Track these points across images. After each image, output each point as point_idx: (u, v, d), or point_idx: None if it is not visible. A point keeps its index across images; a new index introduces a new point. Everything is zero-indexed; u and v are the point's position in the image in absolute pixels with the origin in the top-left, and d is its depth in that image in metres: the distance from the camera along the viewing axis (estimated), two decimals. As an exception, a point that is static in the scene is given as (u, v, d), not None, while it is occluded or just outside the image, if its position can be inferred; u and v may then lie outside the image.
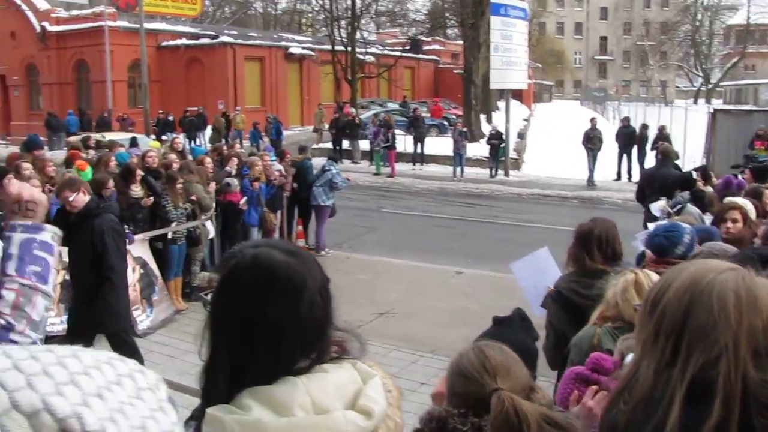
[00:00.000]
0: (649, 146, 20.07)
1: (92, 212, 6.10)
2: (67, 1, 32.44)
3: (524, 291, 4.85)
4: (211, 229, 10.02)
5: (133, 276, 8.50)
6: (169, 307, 8.99)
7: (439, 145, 25.16)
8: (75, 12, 35.78)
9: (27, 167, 9.05)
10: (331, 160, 12.59)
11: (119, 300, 6.25)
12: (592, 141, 20.46)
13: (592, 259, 3.86)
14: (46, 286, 1.90)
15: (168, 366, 7.22)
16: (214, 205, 9.93)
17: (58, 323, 7.67)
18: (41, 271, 1.89)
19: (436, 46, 52.19)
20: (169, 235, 9.04)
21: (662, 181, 9.16)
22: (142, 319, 8.40)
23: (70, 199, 6.04)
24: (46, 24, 35.26)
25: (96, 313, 6.04)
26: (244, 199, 10.32)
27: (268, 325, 1.41)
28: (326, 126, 29.00)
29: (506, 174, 22.63)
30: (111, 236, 6.03)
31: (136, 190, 8.99)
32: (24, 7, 35.74)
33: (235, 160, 10.87)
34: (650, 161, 17.30)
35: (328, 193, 11.94)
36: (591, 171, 20.77)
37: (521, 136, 28.63)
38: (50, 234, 1.96)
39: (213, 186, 9.96)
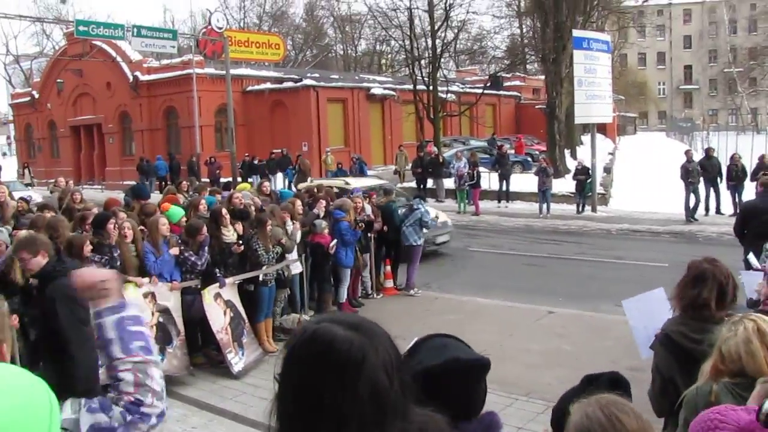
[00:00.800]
0: (748, 177, 19.18)
1: (49, 276, 5.52)
2: (158, 51, 33.74)
3: (633, 331, 4.64)
4: (296, 267, 10.15)
5: (224, 319, 8.67)
6: (257, 349, 9.07)
7: (523, 181, 24.94)
8: (165, 61, 37.22)
9: (122, 216, 9.41)
10: (419, 199, 12.63)
11: (81, 368, 5.23)
12: (691, 174, 19.66)
13: (706, 302, 3.60)
14: (153, 356, 2.00)
15: (261, 408, 7.26)
16: (294, 246, 10.03)
17: None
18: (144, 344, 2.00)
19: (517, 82, 52.05)
20: (260, 278, 9.16)
21: (766, 214, 8.85)
22: (236, 361, 8.51)
23: (27, 261, 5.68)
24: (138, 74, 36.81)
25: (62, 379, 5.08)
26: (334, 242, 10.41)
27: (324, 406, 1.36)
28: (408, 166, 29.16)
29: (593, 209, 22.21)
30: (63, 303, 5.20)
31: (228, 234, 9.21)
32: (119, 59, 37.45)
33: (323, 202, 11.01)
34: (749, 193, 16.62)
35: (419, 232, 11.98)
36: (690, 205, 19.87)
37: (607, 170, 28.11)
38: (135, 307, 2.05)
39: (297, 227, 10.13)
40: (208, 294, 8.51)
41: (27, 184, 36.84)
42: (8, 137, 69.49)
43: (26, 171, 40.20)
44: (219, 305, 8.68)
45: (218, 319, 8.57)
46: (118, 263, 7.96)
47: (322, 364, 1.39)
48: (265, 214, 9.70)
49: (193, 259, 8.53)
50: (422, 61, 34.78)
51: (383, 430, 1.38)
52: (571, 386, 2.51)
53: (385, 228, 12.03)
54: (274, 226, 9.53)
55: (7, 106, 57.38)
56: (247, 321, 9.08)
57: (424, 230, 12.26)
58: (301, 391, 1.40)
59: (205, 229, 8.75)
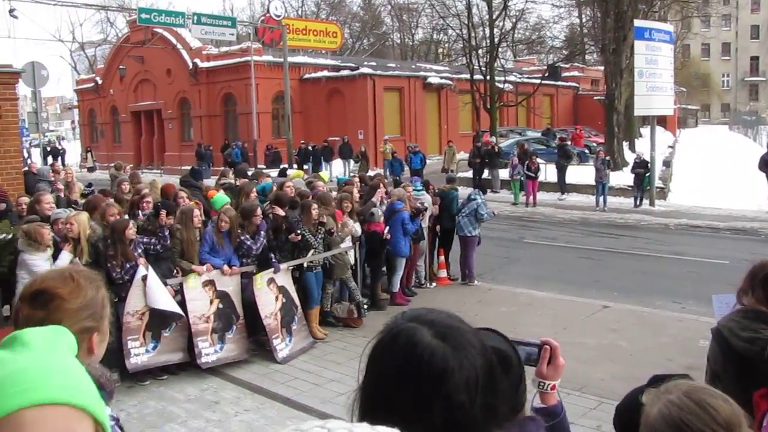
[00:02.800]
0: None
1: None
2: (217, 39, 34.20)
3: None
4: (351, 256, 10.19)
5: (275, 305, 8.75)
6: (307, 337, 9.12)
7: (580, 174, 24.60)
8: (224, 48, 37.70)
9: (182, 195, 9.66)
10: (478, 190, 12.54)
11: None
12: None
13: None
14: None
15: (312, 393, 7.39)
16: (346, 238, 10.07)
17: (143, 353, 7.81)
18: None
19: (575, 73, 51.34)
20: (305, 264, 9.23)
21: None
22: (281, 347, 8.58)
23: None
24: (197, 61, 37.35)
25: None
26: (387, 229, 10.43)
27: (395, 410, 1.26)
28: (457, 158, 28.91)
29: (651, 204, 21.79)
30: None
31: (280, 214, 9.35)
32: (179, 46, 38.09)
33: (381, 191, 11.02)
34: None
35: (474, 224, 11.93)
36: None
37: (667, 164, 27.53)
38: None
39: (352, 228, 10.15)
40: (260, 279, 8.60)
41: (89, 168, 37.92)
42: (73, 122, 71.34)
43: (89, 155, 41.30)
44: (271, 290, 8.76)
45: (268, 304, 8.65)
46: (172, 247, 8.19)
47: (399, 369, 1.29)
48: (309, 200, 9.71)
49: (248, 243, 8.66)
50: (480, 51, 34.52)
51: None
52: (628, 383, 2.44)
53: (434, 211, 11.92)
54: (325, 215, 9.58)
55: (72, 92, 58.90)
56: (299, 308, 9.16)
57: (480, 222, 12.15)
58: (376, 389, 1.32)
59: (260, 211, 8.88)
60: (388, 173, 26.30)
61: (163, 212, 8.18)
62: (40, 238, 7.33)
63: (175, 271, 8.21)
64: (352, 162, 29.91)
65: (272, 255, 8.94)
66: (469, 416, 1.27)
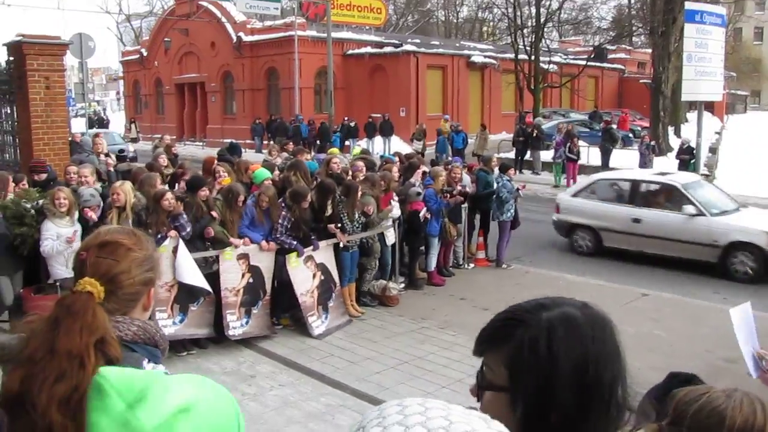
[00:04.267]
0: None
1: None
2: (262, 13, 34.25)
3: (741, 345, 4.21)
4: (390, 236, 10.18)
5: (312, 282, 8.80)
6: (344, 314, 9.16)
7: (624, 157, 24.23)
8: (268, 23, 37.73)
9: (219, 170, 9.76)
10: (501, 173, 12.16)
11: None
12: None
13: None
14: None
15: (347, 371, 7.43)
16: (394, 216, 10.05)
17: (170, 324, 7.91)
18: None
19: (622, 55, 50.48)
20: (341, 244, 9.24)
21: None
22: (317, 324, 8.65)
23: None
24: (241, 34, 37.44)
25: None
26: (424, 209, 10.37)
27: (608, 389, 1.29)
28: (491, 140, 28.46)
29: (696, 190, 21.38)
30: None
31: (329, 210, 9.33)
32: (223, 19, 38.23)
33: (420, 171, 10.97)
34: None
35: (501, 207, 11.80)
36: None
37: (713, 150, 26.97)
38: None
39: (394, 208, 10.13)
40: (294, 258, 8.64)
41: (133, 139, 38.40)
42: (117, 93, 72.26)
43: (133, 126, 41.81)
44: (309, 268, 8.80)
45: (305, 282, 8.69)
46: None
47: (610, 339, 1.31)
48: (354, 182, 9.71)
49: (282, 227, 8.67)
50: (525, 30, 34.10)
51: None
52: (665, 374, 2.38)
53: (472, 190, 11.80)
54: (367, 195, 9.57)
55: (117, 63, 59.59)
56: (338, 285, 9.19)
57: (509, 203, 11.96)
58: (579, 380, 1.26)
59: (310, 196, 8.86)
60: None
61: (205, 190, 8.30)
62: (56, 202, 7.53)
63: (208, 244, 8.29)
64: (414, 140, 29.42)
65: (311, 235, 8.95)
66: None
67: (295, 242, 8.63)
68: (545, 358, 1.26)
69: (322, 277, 8.92)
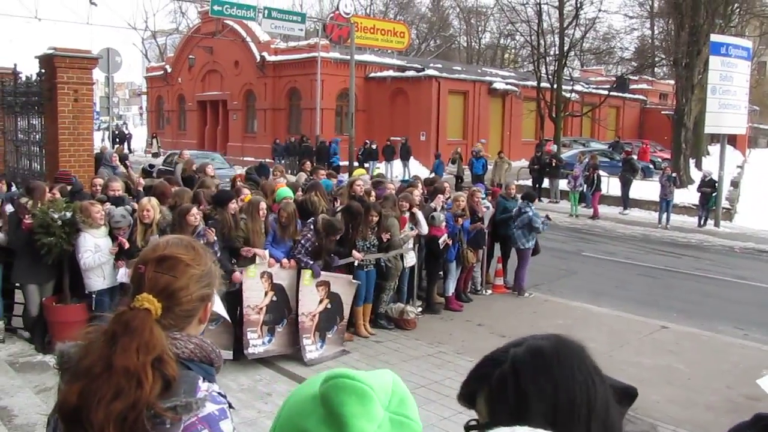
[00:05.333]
0: None
1: None
2: (286, 33, 34.55)
3: None
4: (410, 258, 10.16)
5: (317, 307, 8.66)
6: (340, 347, 8.88)
7: (644, 189, 24.17)
8: (292, 43, 38.06)
9: (244, 192, 9.82)
10: (526, 200, 12.01)
11: None
12: None
13: None
14: None
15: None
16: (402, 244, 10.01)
17: (260, 344, 8.01)
18: None
19: (644, 86, 50.47)
20: (356, 262, 9.21)
21: None
22: (311, 349, 8.50)
23: None
24: (265, 54, 37.80)
25: None
26: (445, 236, 10.31)
27: (577, 408, 1.30)
28: (511, 169, 28.32)
29: (716, 224, 21.25)
30: None
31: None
32: (248, 38, 38.63)
33: (441, 196, 10.97)
34: None
35: (527, 235, 11.75)
36: None
37: (735, 184, 26.87)
38: None
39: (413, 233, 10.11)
40: (308, 276, 8.60)
41: (154, 154, 38.76)
42: (140, 108, 72.93)
43: (154, 141, 42.18)
44: (319, 293, 8.70)
45: (309, 304, 8.60)
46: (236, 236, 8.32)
47: (585, 366, 1.34)
48: (374, 203, 9.74)
49: (305, 243, 8.68)
50: (548, 58, 34.15)
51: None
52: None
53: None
54: (390, 217, 9.57)
55: (142, 78, 60.20)
56: (345, 320, 9.01)
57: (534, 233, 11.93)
58: (545, 402, 1.29)
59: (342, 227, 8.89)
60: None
61: (233, 202, 8.39)
62: (89, 216, 7.63)
63: (233, 261, 8.31)
64: (449, 163, 29.29)
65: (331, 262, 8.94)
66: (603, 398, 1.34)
67: (312, 262, 8.63)
68: (513, 389, 1.31)
69: (329, 307, 8.74)
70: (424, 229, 10.11)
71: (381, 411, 1.18)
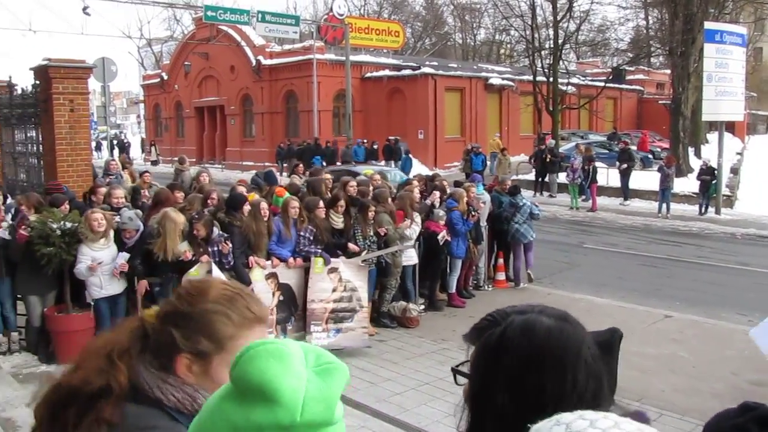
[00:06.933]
0: None
1: None
2: (280, 37, 34.55)
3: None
4: (412, 256, 10.17)
5: (330, 295, 8.75)
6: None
7: (643, 179, 24.14)
8: (287, 46, 38.04)
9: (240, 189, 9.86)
10: (516, 195, 12.06)
11: None
12: None
13: None
14: None
15: (367, 392, 7.38)
16: (414, 235, 10.05)
17: None
18: None
19: (640, 76, 50.37)
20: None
21: None
22: (320, 336, 8.58)
23: None
24: (260, 58, 37.78)
25: None
26: (444, 232, 10.34)
27: (546, 398, 1.27)
28: (513, 164, 28.33)
29: (717, 212, 21.23)
30: None
31: (337, 220, 9.40)
32: (243, 43, 38.63)
33: (437, 193, 10.97)
34: None
35: (532, 226, 11.84)
36: None
37: (734, 171, 26.85)
38: None
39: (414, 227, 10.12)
40: (319, 264, 8.69)
41: (153, 161, 38.77)
42: (138, 116, 72.97)
43: (153, 148, 42.19)
44: (331, 280, 8.77)
45: (321, 292, 8.69)
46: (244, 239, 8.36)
47: (542, 358, 1.29)
48: (368, 200, 9.78)
49: (305, 237, 8.80)
50: (543, 52, 34.11)
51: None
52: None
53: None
54: (380, 213, 9.60)
55: (138, 87, 60.23)
56: (364, 309, 9.02)
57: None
58: (514, 386, 1.29)
59: (322, 204, 9.10)
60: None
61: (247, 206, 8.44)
62: (90, 225, 7.62)
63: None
64: (464, 160, 29.06)
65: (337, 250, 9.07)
66: (599, 383, 1.32)
67: (320, 250, 8.73)
68: (492, 351, 1.33)
69: (345, 294, 8.85)
70: (414, 230, 10.11)
71: (303, 369, 1.12)
